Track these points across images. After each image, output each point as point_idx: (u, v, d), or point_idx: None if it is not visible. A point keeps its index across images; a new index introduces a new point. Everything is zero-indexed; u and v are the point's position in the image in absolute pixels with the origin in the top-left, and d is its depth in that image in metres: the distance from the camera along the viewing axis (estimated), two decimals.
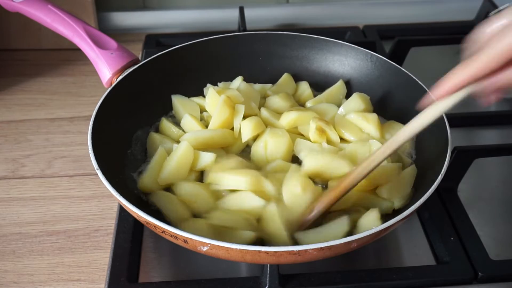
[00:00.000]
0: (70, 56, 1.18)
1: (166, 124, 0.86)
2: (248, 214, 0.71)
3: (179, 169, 0.76)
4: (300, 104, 0.93)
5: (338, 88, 0.93)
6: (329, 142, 0.83)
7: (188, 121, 0.85)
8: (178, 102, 0.90)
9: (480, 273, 0.71)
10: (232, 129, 0.84)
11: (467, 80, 0.57)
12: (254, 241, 0.68)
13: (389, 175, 0.75)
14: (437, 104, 0.62)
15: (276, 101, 0.89)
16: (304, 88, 0.95)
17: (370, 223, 0.68)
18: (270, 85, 0.95)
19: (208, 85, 0.93)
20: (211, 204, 0.74)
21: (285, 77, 0.95)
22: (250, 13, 1.21)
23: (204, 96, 0.92)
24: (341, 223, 0.68)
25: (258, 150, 0.81)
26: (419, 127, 0.66)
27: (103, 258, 0.77)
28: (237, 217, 0.70)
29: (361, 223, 0.69)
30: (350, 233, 0.68)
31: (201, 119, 0.88)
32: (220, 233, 0.69)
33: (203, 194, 0.74)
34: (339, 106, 0.89)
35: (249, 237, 0.68)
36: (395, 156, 0.80)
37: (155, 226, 0.63)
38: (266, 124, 0.85)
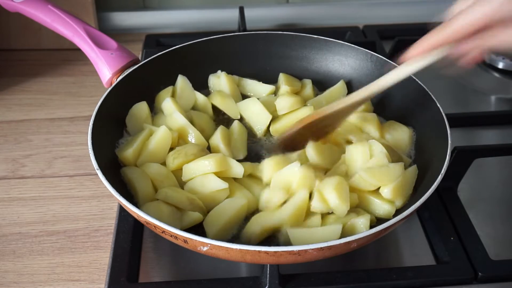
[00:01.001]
0: (70, 56, 1.18)
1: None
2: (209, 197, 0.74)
3: (157, 152, 0.79)
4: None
5: (339, 88, 0.93)
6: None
7: (168, 105, 0.86)
8: (182, 83, 0.91)
9: (480, 273, 0.71)
10: None
11: (440, 43, 0.65)
12: (200, 221, 0.71)
13: (391, 175, 0.75)
14: (413, 62, 0.69)
15: (287, 100, 0.89)
16: (308, 87, 0.95)
17: (358, 228, 0.69)
18: (272, 86, 0.94)
19: (219, 72, 0.94)
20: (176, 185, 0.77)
21: (282, 77, 0.95)
22: (250, 13, 1.21)
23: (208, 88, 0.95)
24: (335, 227, 0.68)
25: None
26: (394, 80, 0.73)
27: (103, 258, 0.77)
28: (182, 196, 0.73)
29: (351, 225, 0.69)
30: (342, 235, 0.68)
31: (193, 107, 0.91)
32: (175, 216, 0.72)
33: (170, 175, 0.77)
34: None
35: (197, 217, 0.71)
36: (395, 156, 0.80)
37: (155, 226, 0.63)
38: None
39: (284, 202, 0.73)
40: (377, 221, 0.72)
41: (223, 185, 0.74)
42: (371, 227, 0.68)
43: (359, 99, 0.76)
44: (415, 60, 0.68)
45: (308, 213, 0.72)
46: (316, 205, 0.71)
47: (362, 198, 0.74)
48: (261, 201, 0.74)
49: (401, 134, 0.84)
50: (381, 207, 0.73)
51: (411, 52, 0.68)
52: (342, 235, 0.68)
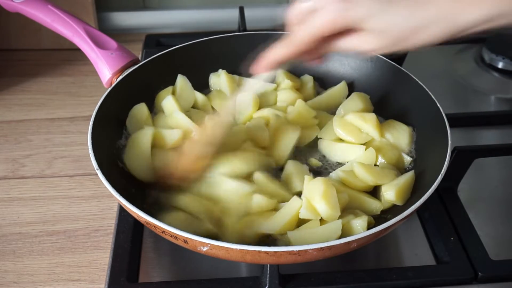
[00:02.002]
0: (70, 56, 1.18)
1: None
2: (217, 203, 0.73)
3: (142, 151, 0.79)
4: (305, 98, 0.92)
5: (340, 89, 0.93)
6: None
7: (169, 103, 0.86)
8: (181, 83, 0.91)
9: (480, 273, 0.71)
10: None
11: (285, 57, 0.65)
12: (210, 234, 0.69)
13: (387, 174, 0.76)
14: (260, 77, 0.71)
15: (288, 95, 0.90)
16: (309, 84, 0.95)
17: (355, 229, 0.69)
18: (273, 85, 0.94)
19: (220, 70, 0.94)
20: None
21: (281, 72, 0.95)
22: (250, 13, 1.21)
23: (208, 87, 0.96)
24: (335, 226, 0.68)
25: None
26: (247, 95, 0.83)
27: (103, 258, 0.77)
28: (201, 205, 0.72)
29: (348, 227, 0.69)
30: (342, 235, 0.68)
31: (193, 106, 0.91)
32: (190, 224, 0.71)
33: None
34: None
35: (207, 229, 0.70)
36: (395, 154, 0.81)
37: (155, 226, 0.63)
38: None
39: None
40: (375, 221, 0.72)
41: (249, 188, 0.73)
42: (369, 229, 0.68)
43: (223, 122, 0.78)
44: (261, 75, 0.70)
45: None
46: (305, 213, 0.69)
47: (357, 198, 0.75)
48: (251, 204, 0.73)
49: (401, 133, 0.84)
50: (370, 205, 0.74)
51: (258, 67, 0.68)
52: (341, 236, 0.68)
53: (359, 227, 0.68)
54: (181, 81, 0.91)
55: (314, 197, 0.70)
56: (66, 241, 0.79)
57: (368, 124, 0.83)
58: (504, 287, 0.71)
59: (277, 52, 0.66)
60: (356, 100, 0.88)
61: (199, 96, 0.91)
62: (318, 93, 0.95)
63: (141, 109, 0.86)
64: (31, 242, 0.79)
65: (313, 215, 0.69)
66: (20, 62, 1.18)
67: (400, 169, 0.80)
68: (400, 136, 0.83)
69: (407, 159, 0.81)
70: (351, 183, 0.76)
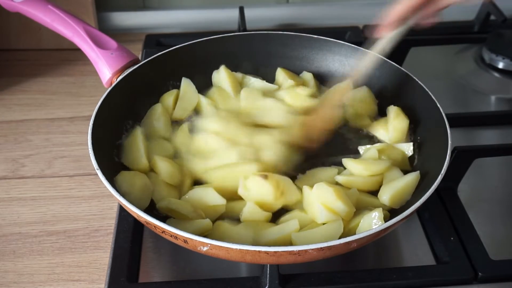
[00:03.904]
0: (70, 56, 1.18)
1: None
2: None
3: (132, 153, 0.79)
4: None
5: (345, 86, 0.93)
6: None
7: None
8: (185, 86, 0.91)
9: (480, 273, 0.71)
10: None
11: (403, 14, 0.72)
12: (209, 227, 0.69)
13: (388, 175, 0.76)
14: (390, 34, 0.78)
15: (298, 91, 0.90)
16: (310, 82, 0.95)
17: (373, 222, 0.68)
18: (275, 86, 0.94)
19: (221, 67, 0.94)
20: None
21: (282, 72, 0.95)
22: (250, 13, 1.21)
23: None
24: (337, 226, 0.68)
25: None
26: (374, 59, 0.83)
27: (103, 258, 0.77)
28: (186, 204, 0.72)
29: (367, 221, 0.69)
30: (347, 233, 0.68)
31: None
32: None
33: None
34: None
35: (207, 224, 0.69)
36: (398, 154, 0.81)
37: (155, 226, 0.63)
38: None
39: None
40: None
41: (221, 200, 0.73)
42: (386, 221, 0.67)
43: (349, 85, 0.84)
44: (387, 36, 0.77)
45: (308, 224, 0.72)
46: (327, 216, 0.69)
47: (358, 200, 0.74)
48: (244, 212, 0.72)
49: (400, 123, 0.84)
50: (376, 204, 0.74)
51: (387, 23, 0.74)
52: (359, 231, 0.68)
53: (378, 219, 0.68)
54: (185, 84, 0.91)
55: (329, 200, 0.69)
56: (66, 241, 0.79)
57: (381, 128, 0.86)
58: (504, 287, 0.71)
59: (396, 9, 0.71)
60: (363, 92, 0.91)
61: (203, 99, 0.90)
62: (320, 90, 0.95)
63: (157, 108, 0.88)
64: (31, 242, 0.79)
65: (334, 216, 0.69)
66: (20, 62, 1.18)
67: (403, 170, 0.80)
68: (399, 126, 0.83)
69: (409, 154, 0.81)
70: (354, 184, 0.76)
